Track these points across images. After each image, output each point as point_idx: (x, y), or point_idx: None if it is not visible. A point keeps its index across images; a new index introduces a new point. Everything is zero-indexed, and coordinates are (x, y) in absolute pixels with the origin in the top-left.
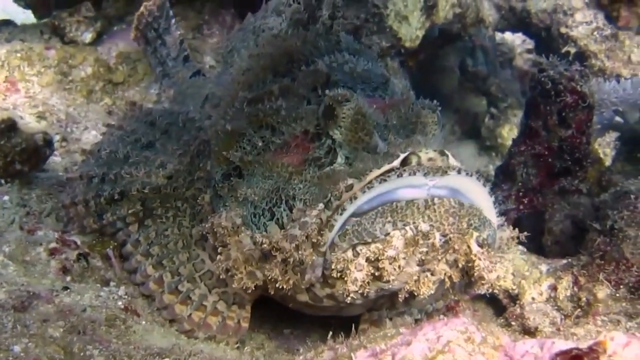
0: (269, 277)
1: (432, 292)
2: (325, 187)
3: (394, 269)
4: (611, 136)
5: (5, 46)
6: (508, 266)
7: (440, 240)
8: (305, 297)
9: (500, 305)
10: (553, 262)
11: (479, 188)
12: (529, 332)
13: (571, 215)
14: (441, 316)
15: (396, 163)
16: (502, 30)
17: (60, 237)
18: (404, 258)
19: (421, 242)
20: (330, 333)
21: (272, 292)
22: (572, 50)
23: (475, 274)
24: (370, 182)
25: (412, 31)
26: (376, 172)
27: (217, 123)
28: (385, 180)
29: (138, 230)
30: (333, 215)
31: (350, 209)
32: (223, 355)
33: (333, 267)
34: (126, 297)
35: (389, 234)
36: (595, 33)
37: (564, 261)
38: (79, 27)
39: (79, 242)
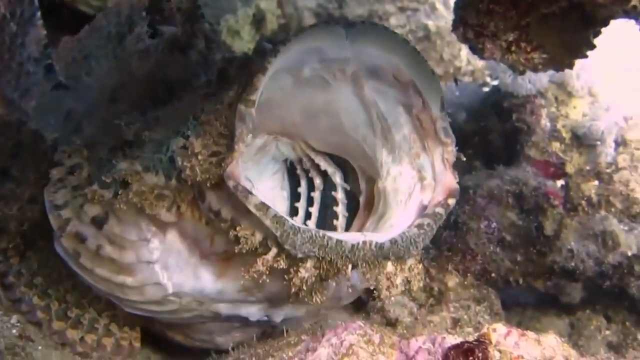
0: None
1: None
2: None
3: (301, 282)
4: None
5: None
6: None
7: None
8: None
9: (359, 300)
10: None
11: (392, 35)
12: (391, 323)
13: None
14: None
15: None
16: None
17: None
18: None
19: (332, 270)
20: (231, 345)
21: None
22: None
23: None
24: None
25: (243, 44)
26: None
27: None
28: (315, 27)
29: (20, 262)
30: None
31: (291, 45)
32: None
33: (240, 239)
34: (19, 324)
35: (308, 259)
36: (409, 35)
37: None
38: None
39: None
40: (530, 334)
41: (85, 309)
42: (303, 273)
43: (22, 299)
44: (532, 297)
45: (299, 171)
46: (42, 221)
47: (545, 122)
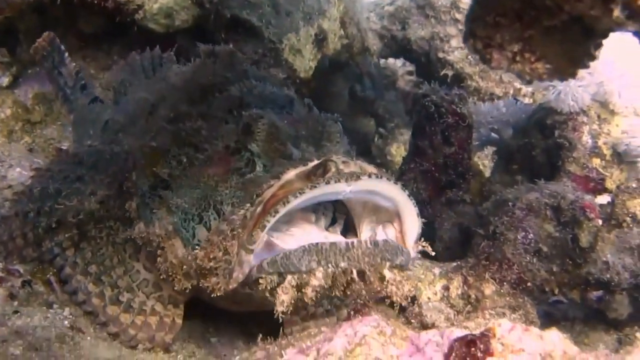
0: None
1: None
2: (250, 190)
3: (315, 294)
4: (489, 150)
5: None
6: (414, 281)
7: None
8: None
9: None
10: (445, 266)
11: (391, 186)
12: (427, 327)
13: (458, 223)
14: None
15: (311, 165)
16: (386, 57)
17: (5, 268)
18: (325, 286)
19: (341, 276)
20: (260, 336)
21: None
22: (450, 73)
23: (389, 294)
24: (314, 183)
25: (305, 63)
26: (292, 172)
27: (142, 140)
28: (315, 187)
29: (75, 253)
30: (265, 215)
31: (289, 206)
32: None
33: (261, 287)
34: (70, 317)
35: (313, 269)
36: (469, 57)
37: (454, 264)
38: None
39: (21, 271)
40: (534, 329)
41: (135, 292)
42: (314, 282)
43: (78, 288)
44: (581, 312)
45: None
46: (97, 210)
47: (586, 139)
